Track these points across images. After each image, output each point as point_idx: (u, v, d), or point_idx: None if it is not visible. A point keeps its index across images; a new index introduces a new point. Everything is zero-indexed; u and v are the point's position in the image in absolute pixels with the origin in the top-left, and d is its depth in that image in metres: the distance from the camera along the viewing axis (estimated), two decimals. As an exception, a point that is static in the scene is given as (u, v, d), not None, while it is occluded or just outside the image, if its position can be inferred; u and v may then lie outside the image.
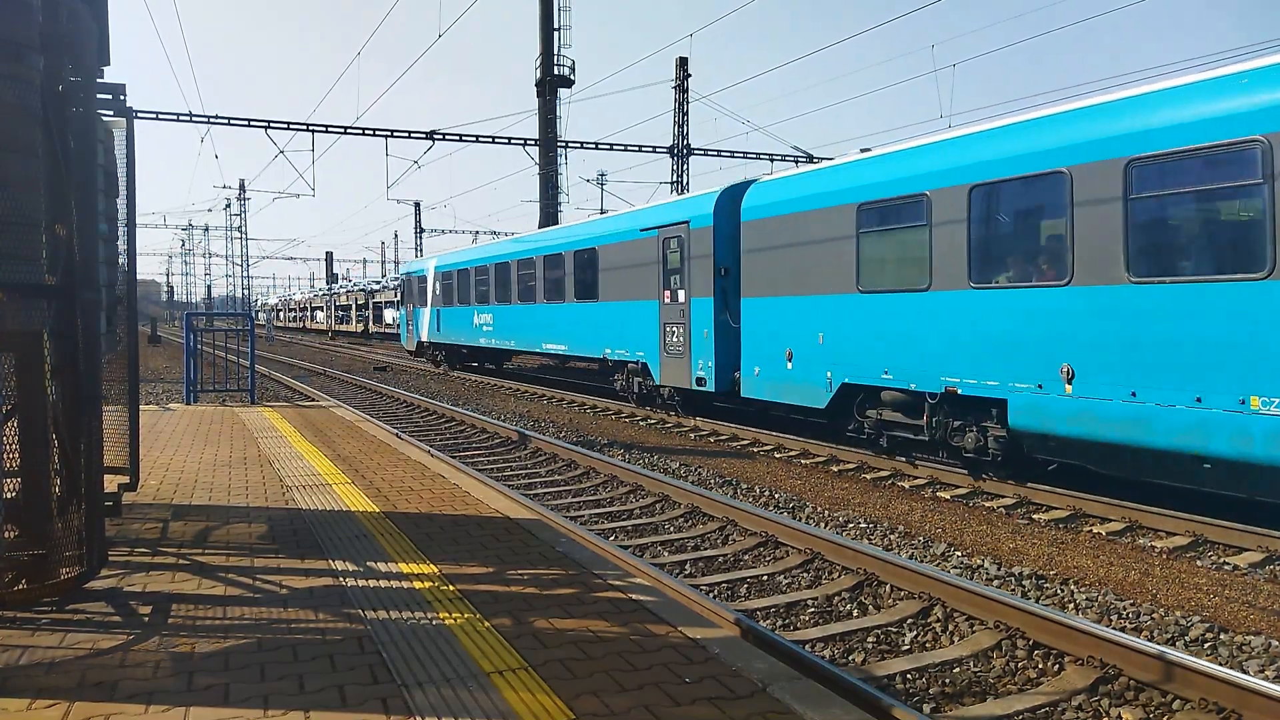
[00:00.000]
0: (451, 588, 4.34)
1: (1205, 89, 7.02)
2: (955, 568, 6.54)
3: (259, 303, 77.98)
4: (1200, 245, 7.09)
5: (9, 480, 4.03)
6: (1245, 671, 4.65)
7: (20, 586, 4.03)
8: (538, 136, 43.06)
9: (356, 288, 63.32)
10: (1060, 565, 6.67)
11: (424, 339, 28.40)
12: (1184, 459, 7.09)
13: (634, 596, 4.26)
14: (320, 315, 73.28)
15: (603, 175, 58.02)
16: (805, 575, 6.41)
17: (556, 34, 43.00)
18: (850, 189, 10.47)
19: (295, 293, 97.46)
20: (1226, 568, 6.62)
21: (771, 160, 41.77)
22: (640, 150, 42.56)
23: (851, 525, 7.79)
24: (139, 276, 6.29)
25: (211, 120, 34.48)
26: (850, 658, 4.99)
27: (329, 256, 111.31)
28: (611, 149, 42.12)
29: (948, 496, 8.99)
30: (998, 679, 4.69)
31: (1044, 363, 8.07)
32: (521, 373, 26.48)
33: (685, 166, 43.41)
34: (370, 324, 56.54)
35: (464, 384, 22.60)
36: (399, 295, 33.11)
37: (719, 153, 42.94)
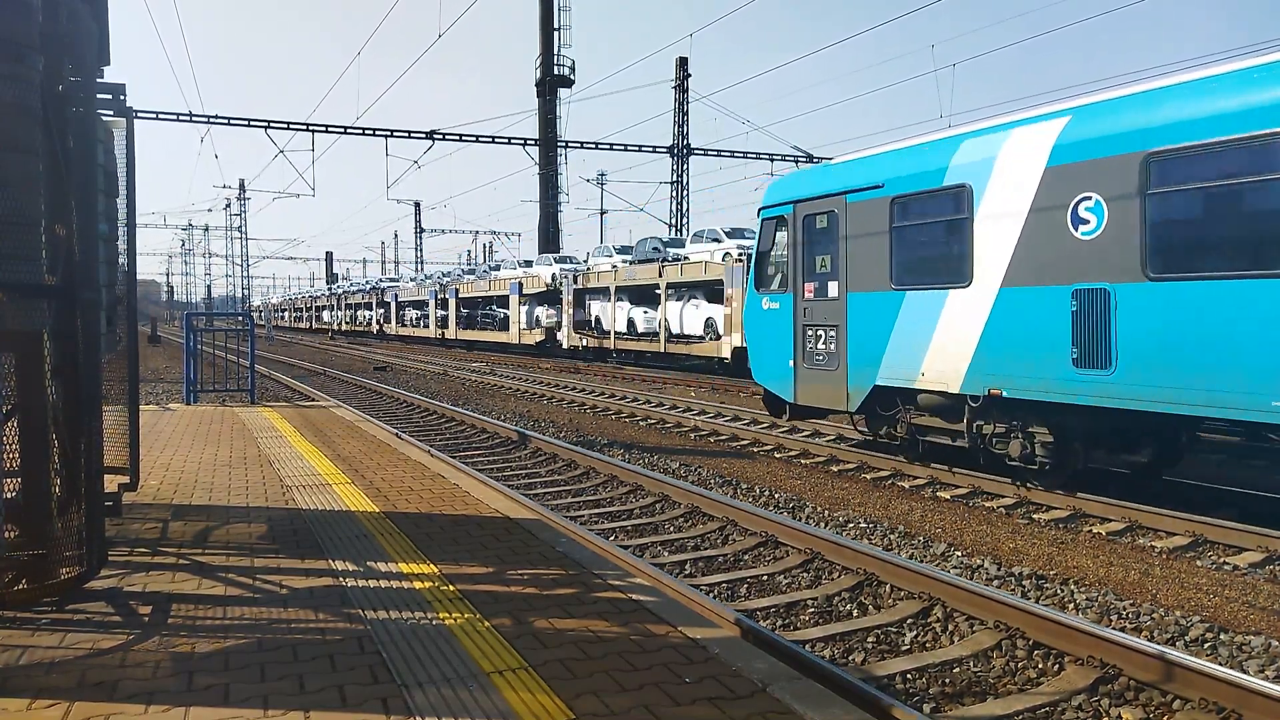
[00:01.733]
0: (451, 588, 4.34)
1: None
2: (955, 568, 6.54)
3: (245, 304, 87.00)
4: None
5: (9, 480, 4.03)
6: (1245, 671, 4.66)
7: (20, 586, 4.03)
8: (538, 136, 43.10)
9: (308, 295, 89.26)
10: (1060, 565, 6.67)
11: (953, 381, 9.06)
12: None
13: (634, 596, 4.26)
14: (286, 314, 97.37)
15: (603, 175, 58.13)
16: (805, 575, 6.41)
17: (556, 34, 43.08)
18: None
19: (273, 298, 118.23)
20: (1226, 568, 6.62)
21: (771, 160, 41.77)
22: (640, 150, 42.64)
23: (851, 525, 7.79)
24: (139, 276, 6.29)
25: (211, 120, 34.52)
26: (850, 658, 4.99)
27: (329, 256, 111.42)
28: (611, 149, 42.21)
29: (947, 496, 8.99)
30: (998, 679, 4.69)
31: None
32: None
33: (685, 166, 43.47)
34: (312, 322, 79.50)
35: (464, 384, 22.60)
36: (757, 252, 12.18)
37: (719, 153, 43.02)
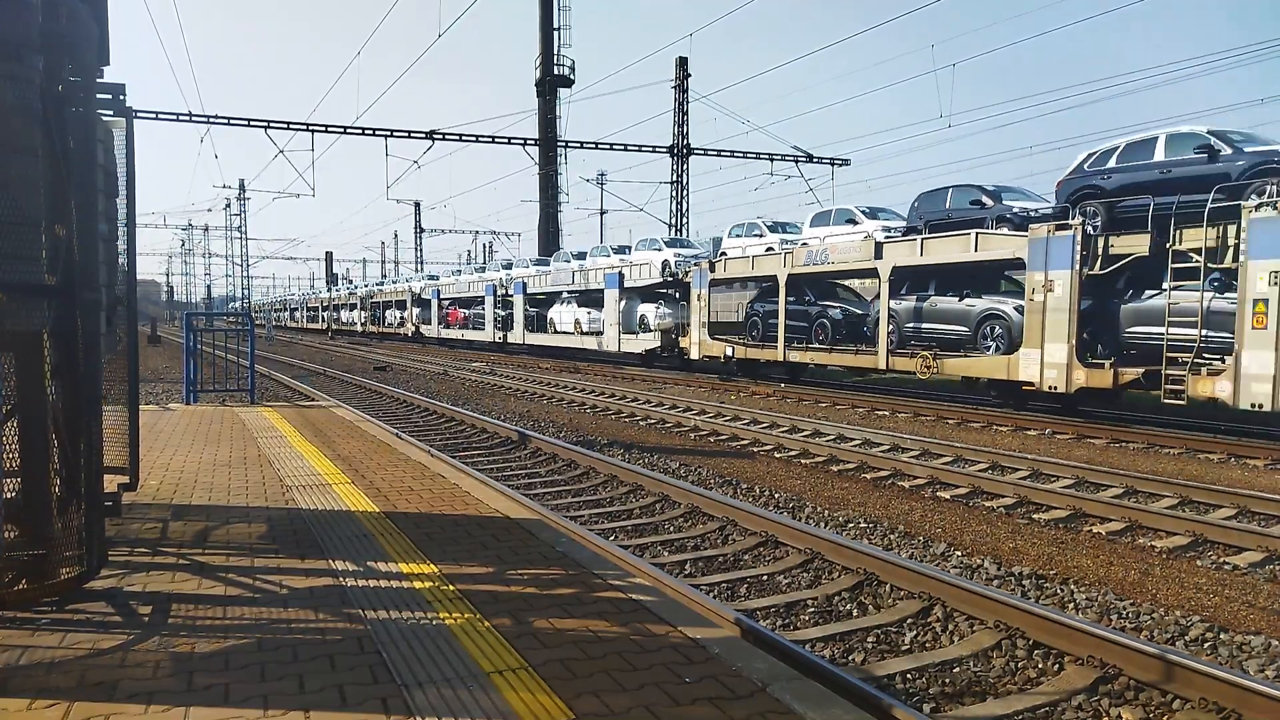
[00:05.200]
0: (451, 587, 4.34)
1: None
2: (955, 567, 6.54)
3: (245, 304, 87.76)
4: None
5: (9, 480, 4.03)
6: (1245, 671, 4.66)
7: (20, 586, 4.03)
8: (538, 136, 43.09)
9: (290, 298, 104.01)
10: (1060, 565, 6.67)
11: None
12: None
13: (634, 596, 4.26)
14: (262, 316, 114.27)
15: (603, 175, 58.08)
16: (805, 575, 6.41)
17: (556, 34, 43.10)
18: None
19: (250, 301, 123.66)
20: (1226, 568, 6.63)
21: (771, 160, 41.73)
22: (640, 150, 42.62)
23: (851, 525, 7.79)
24: (139, 276, 6.29)
25: (211, 120, 34.53)
26: (850, 657, 4.99)
27: (329, 256, 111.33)
28: (611, 149, 42.21)
29: (947, 496, 9.00)
30: (998, 679, 4.69)
31: None
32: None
33: (685, 166, 43.45)
34: (280, 321, 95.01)
35: (464, 384, 22.60)
36: None
37: (719, 153, 42.97)
